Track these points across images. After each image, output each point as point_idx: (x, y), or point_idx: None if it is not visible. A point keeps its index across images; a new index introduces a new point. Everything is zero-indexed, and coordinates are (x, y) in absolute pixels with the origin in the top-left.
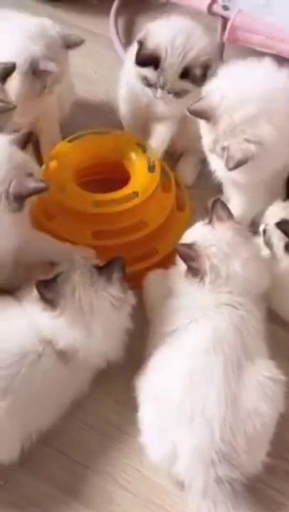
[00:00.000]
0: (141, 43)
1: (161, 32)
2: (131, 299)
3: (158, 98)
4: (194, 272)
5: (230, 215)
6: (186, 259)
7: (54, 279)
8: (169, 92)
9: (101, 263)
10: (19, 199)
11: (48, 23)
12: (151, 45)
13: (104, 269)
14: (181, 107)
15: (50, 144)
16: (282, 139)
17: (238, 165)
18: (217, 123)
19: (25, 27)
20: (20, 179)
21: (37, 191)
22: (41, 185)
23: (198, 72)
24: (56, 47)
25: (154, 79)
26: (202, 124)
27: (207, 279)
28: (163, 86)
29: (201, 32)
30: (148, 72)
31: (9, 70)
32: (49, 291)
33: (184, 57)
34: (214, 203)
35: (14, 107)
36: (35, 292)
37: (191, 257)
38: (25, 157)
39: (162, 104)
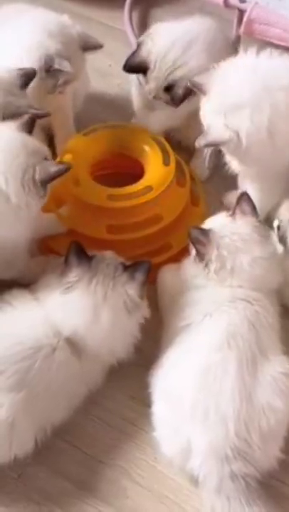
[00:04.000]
0: (138, 46)
1: (159, 41)
2: (145, 308)
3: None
4: (200, 256)
5: (254, 211)
6: (195, 242)
7: (90, 257)
8: (155, 98)
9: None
10: (45, 184)
11: (67, 22)
12: (144, 52)
13: (129, 268)
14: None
15: (65, 138)
16: (261, 138)
17: (207, 145)
18: (209, 100)
19: (45, 22)
20: (42, 165)
21: (61, 173)
22: (64, 166)
23: (178, 92)
24: (73, 47)
25: (143, 82)
26: (202, 98)
27: (212, 266)
28: (148, 92)
29: (200, 48)
30: (138, 75)
31: (30, 75)
32: (76, 257)
33: (169, 73)
34: (241, 196)
35: (48, 114)
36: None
37: (200, 241)
38: (35, 141)
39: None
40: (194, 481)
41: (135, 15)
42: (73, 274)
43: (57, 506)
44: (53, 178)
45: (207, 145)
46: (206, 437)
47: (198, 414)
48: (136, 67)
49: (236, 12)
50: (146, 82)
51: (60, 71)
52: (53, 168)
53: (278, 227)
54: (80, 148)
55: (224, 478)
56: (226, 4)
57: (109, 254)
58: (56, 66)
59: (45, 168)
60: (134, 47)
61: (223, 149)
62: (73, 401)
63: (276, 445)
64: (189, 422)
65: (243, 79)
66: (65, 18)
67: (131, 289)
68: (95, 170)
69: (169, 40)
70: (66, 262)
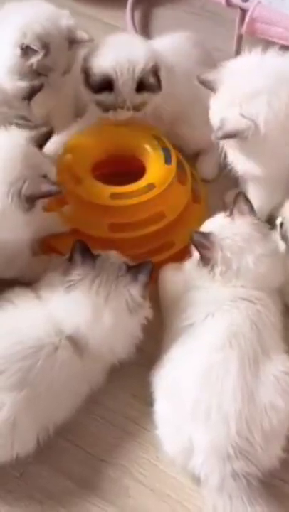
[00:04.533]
0: (86, 72)
1: (102, 54)
2: (147, 309)
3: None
4: (205, 260)
5: (251, 210)
6: (199, 246)
7: (94, 256)
8: (128, 110)
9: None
10: (30, 200)
11: (61, 13)
12: (97, 69)
13: (132, 268)
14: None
15: (64, 136)
16: (280, 124)
17: (226, 136)
18: (221, 95)
19: (35, 10)
20: (34, 181)
21: (49, 194)
22: (54, 188)
23: (152, 79)
24: (57, 36)
25: (112, 101)
26: (211, 97)
27: (217, 269)
28: (122, 105)
29: (137, 41)
30: (104, 96)
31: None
32: (81, 255)
33: (133, 71)
34: (237, 195)
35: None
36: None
37: (204, 245)
38: (40, 157)
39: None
40: (196, 479)
41: (137, 13)
42: (77, 273)
43: (59, 505)
44: (39, 196)
45: (224, 136)
46: (207, 436)
47: (200, 413)
48: (101, 83)
49: (238, 11)
50: (116, 96)
51: (33, 50)
52: (42, 187)
53: (281, 225)
54: (82, 147)
55: (226, 477)
56: (228, 3)
57: (113, 253)
58: (27, 42)
59: (34, 185)
60: None
61: (236, 144)
62: (75, 400)
63: (278, 444)
64: (191, 421)
65: (255, 71)
66: (61, 10)
67: (134, 289)
68: (97, 168)
69: (107, 48)
70: (70, 260)
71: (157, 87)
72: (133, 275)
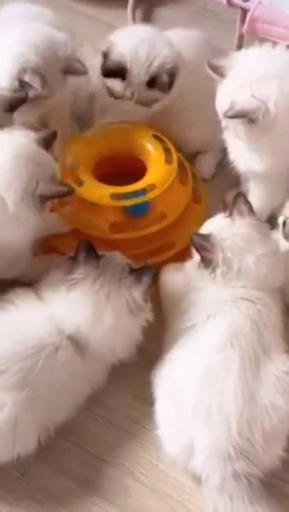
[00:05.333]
0: (105, 55)
1: (125, 42)
2: (148, 312)
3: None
4: (207, 262)
5: (251, 210)
6: (199, 248)
7: (98, 256)
8: (136, 103)
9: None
10: (43, 201)
11: (62, 38)
12: (115, 56)
13: (135, 271)
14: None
15: (61, 140)
16: None
17: (237, 115)
18: (231, 80)
19: (35, 34)
20: (46, 181)
21: (62, 195)
22: (65, 189)
23: (165, 79)
24: (54, 67)
25: (122, 91)
26: (219, 84)
27: (218, 271)
28: (131, 97)
29: (164, 40)
30: (115, 83)
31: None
32: (85, 255)
33: (149, 65)
34: (237, 196)
35: None
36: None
37: (204, 247)
38: (49, 158)
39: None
40: (197, 479)
41: (138, 14)
42: (79, 271)
43: (60, 505)
44: (52, 197)
45: (235, 115)
46: (208, 436)
47: (200, 413)
48: (113, 70)
49: (239, 11)
50: (126, 86)
51: (30, 85)
52: (54, 188)
53: (284, 224)
54: (82, 148)
55: (227, 477)
56: (229, 3)
57: (117, 255)
58: (26, 79)
59: (46, 187)
60: None
61: (244, 131)
62: (76, 400)
63: (279, 444)
64: (192, 421)
65: (265, 59)
66: (61, 35)
67: (136, 291)
68: (98, 169)
69: (134, 39)
70: (75, 258)
71: (168, 87)
72: (136, 277)
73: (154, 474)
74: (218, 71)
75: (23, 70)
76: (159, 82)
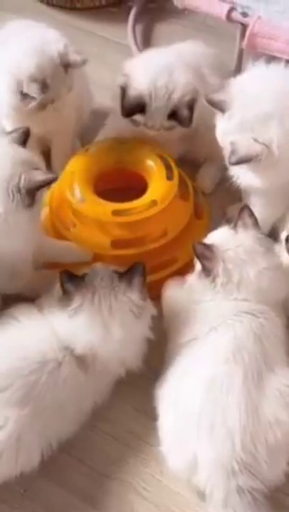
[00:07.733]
0: (123, 90)
1: (141, 74)
2: (151, 308)
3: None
4: (207, 271)
5: (256, 223)
6: (200, 257)
7: (82, 277)
8: (158, 130)
9: (122, 270)
10: (31, 193)
11: (52, 37)
12: (133, 91)
13: (124, 275)
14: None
15: (62, 156)
16: None
17: (240, 161)
18: (231, 116)
19: (26, 42)
20: (28, 173)
21: (47, 182)
22: (50, 176)
23: (185, 113)
24: (51, 67)
25: (143, 121)
26: (217, 116)
27: (219, 281)
28: (152, 127)
29: (181, 67)
30: (136, 116)
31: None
32: (71, 284)
33: (168, 99)
34: (242, 209)
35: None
36: (57, 288)
37: (205, 256)
38: (28, 153)
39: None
40: (201, 494)
41: (139, 29)
42: (75, 300)
43: None
44: (38, 187)
45: (239, 162)
46: (212, 451)
47: (204, 428)
48: (134, 107)
49: (239, 26)
50: (147, 119)
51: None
52: (39, 177)
53: (287, 239)
54: (84, 164)
55: (231, 492)
56: (229, 18)
57: (98, 266)
58: (25, 90)
59: (30, 177)
60: None
61: (249, 166)
62: (80, 415)
63: (283, 458)
64: (195, 436)
65: (263, 89)
66: (51, 31)
67: (132, 294)
68: (99, 185)
69: (150, 71)
70: (63, 291)
71: (188, 121)
72: (128, 281)
73: (158, 489)
74: (218, 106)
75: (20, 82)
76: (179, 115)
